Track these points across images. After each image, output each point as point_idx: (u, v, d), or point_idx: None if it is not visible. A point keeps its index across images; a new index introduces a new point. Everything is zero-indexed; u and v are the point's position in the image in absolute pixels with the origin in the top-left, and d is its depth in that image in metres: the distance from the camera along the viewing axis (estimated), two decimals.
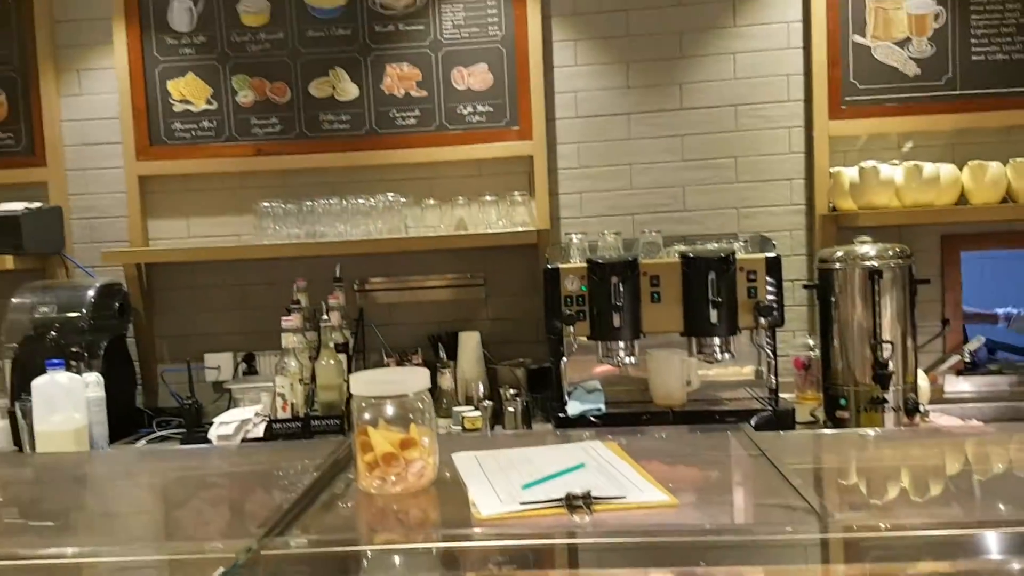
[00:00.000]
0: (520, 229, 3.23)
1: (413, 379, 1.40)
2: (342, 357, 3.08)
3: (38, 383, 2.72)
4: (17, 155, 3.41)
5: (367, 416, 1.38)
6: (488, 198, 3.28)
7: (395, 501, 1.34)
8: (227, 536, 1.28)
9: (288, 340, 3.01)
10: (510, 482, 1.36)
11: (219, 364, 3.42)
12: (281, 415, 2.98)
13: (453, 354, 3.18)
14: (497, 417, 2.98)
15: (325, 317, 3.06)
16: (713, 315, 2.70)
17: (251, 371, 3.44)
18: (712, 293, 2.70)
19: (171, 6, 3.34)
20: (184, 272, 3.44)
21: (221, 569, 1.03)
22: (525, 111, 3.30)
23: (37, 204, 3.26)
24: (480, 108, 3.32)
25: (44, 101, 3.39)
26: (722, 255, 2.73)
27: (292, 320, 3.04)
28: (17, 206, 3.18)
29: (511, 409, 2.93)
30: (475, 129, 3.32)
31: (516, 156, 3.33)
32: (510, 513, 1.24)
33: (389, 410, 1.38)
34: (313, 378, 3.05)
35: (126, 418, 3.19)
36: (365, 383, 1.39)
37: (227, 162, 3.37)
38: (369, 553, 1.20)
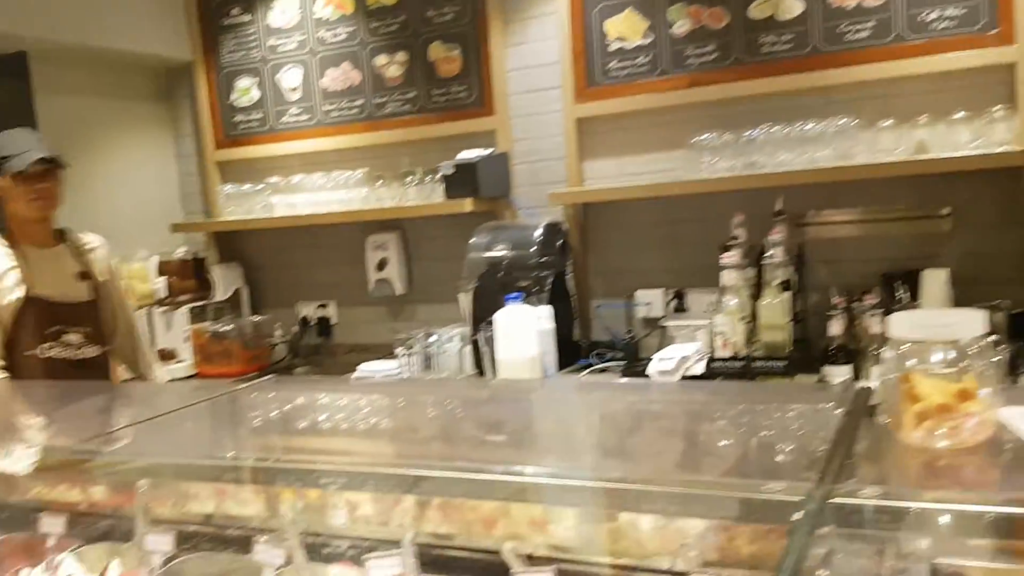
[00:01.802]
0: (997, 151, 2.77)
1: (967, 323, 1.19)
2: (786, 296, 2.91)
3: (500, 315, 2.93)
4: (469, 106, 3.69)
5: (911, 362, 1.20)
6: (957, 116, 2.85)
7: (950, 456, 1.16)
8: (777, 476, 1.20)
9: (728, 277, 2.91)
10: None
11: (650, 301, 3.43)
12: (721, 353, 2.91)
13: (913, 295, 2.84)
14: None
15: (769, 253, 2.90)
16: None
17: (681, 308, 3.40)
18: None
19: None
20: (617, 210, 3.48)
21: (799, 512, 0.96)
22: (1005, 11, 2.80)
23: (488, 151, 3.49)
24: (949, 12, 2.87)
25: (493, 53, 3.60)
26: None
27: (732, 256, 2.93)
28: (473, 154, 3.44)
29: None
30: (942, 37, 2.89)
31: (992, 65, 2.84)
32: None
33: (938, 356, 1.19)
34: (754, 317, 2.93)
35: (565, 350, 3.34)
36: (911, 325, 1.22)
37: (660, 97, 3.32)
38: (937, 509, 1.04)
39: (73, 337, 2.81)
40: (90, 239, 2.99)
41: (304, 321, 4.23)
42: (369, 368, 3.39)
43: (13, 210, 2.78)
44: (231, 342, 4.06)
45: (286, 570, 1.76)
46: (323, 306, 4.23)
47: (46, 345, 2.77)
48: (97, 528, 2.11)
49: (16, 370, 2.73)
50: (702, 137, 3.18)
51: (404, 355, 3.28)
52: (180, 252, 4.27)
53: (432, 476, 1.69)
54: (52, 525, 1.93)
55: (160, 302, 4.16)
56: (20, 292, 2.73)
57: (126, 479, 2.04)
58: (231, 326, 4.11)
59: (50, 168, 2.76)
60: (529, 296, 3.07)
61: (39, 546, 1.99)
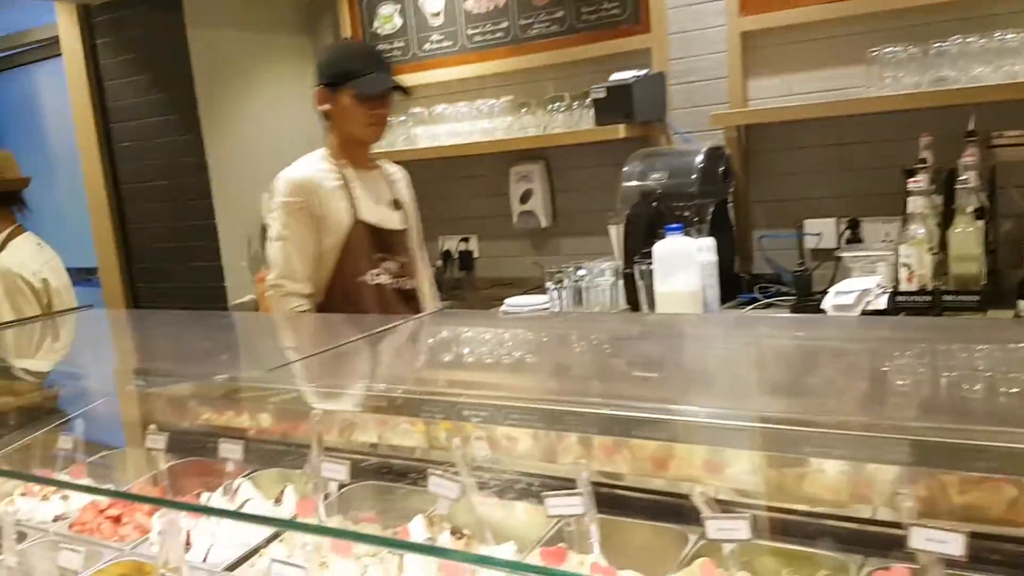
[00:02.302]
0: None
1: None
2: (979, 224, 2.63)
3: (659, 247, 2.77)
4: (622, 24, 3.48)
5: None
6: None
7: None
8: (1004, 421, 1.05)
9: (915, 204, 2.65)
10: None
11: (820, 231, 3.19)
12: (906, 287, 2.67)
13: None
14: None
15: (963, 177, 2.62)
16: None
17: (855, 239, 3.15)
18: None
19: None
20: (784, 133, 3.23)
21: None
22: None
23: (643, 71, 3.29)
24: None
25: None
26: None
27: (919, 181, 2.66)
28: (627, 75, 3.25)
29: None
30: None
31: None
32: None
33: None
34: (943, 247, 2.67)
35: (726, 284, 3.15)
36: None
37: (836, 7, 3.03)
38: None
39: (392, 265, 2.70)
40: (394, 168, 2.86)
41: (446, 255, 4.19)
42: (516, 303, 3.31)
43: (345, 130, 2.63)
44: None
45: (459, 504, 1.72)
46: (465, 240, 4.17)
47: (375, 271, 2.65)
48: (269, 454, 2.12)
49: (340, 298, 2.60)
50: (883, 50, 2.88)
51: (554, 289, 3.17)
52: None
53: (617, 415, 1.60)
54: (230, 451, 1.94)
55: None
56: (350, 215, 2.60)
57: (298, 408, 2.04)
58: None
59: (388, 92, 2.63)
60: (688, 227, 2.90)
61: (217, 470, 2.02)
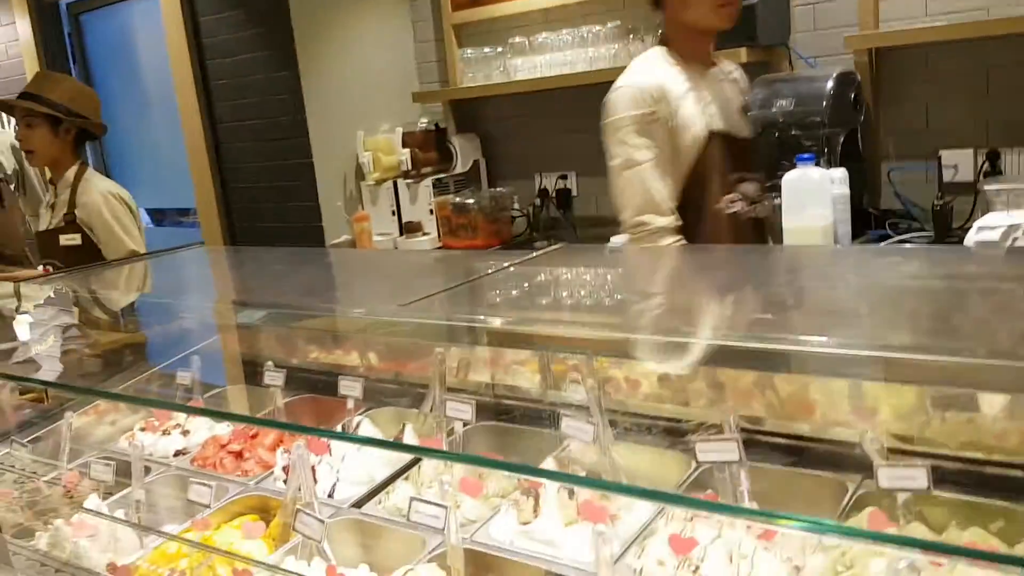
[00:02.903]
0: None
1: None
2: None
3: (789, 178, 2.59)
4: None
5: None
6: None
7: None
8: None
9: None
10: None
11: (956, 163, 2.95)
12: None
13: None
14: None
15: None
16: None
17: (995, 171, 2.90)
18: None
19: None
20: (918, 56, 2.98)
21: None
22: None
23: None
24: None
25: None
26: None
27: None
28: None
29: None
30: None
31: None
32: None
33: None
34: None
35: (854, 219, 2.95)
36: None
37: None
38: None
39: (750, 188, 2.20)
40: (732, 66, 2.35)
41: (543, 193, 4.05)
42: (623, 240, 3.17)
43: (687, 18, 2.13)
44: (474, 215, 3.97)
45: (589, 447, 1.63)
46: (563, 177, 4.03)
47: (730, 197, 2.16)
48: (383, 393, 2.06)
49: (689, 232, 2.14)
50: None
51: None
52: (422, 123, 4.19)
53: (771, 350, 1.47)
54: (349, 388, 1.89)
55: (405, 174, 4.11)
56: (704, 126, 2.12)
57: (419, 345, 1.97)
58: (472, 199, 4.02)
59: None
60: (819, 157, 2.70)
61: (331, 408, 1.98)
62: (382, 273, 2.31)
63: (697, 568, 1.27)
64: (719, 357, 1.61)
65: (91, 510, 1.69)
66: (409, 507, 1.35)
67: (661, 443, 1.69)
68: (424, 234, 4.08)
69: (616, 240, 3.14)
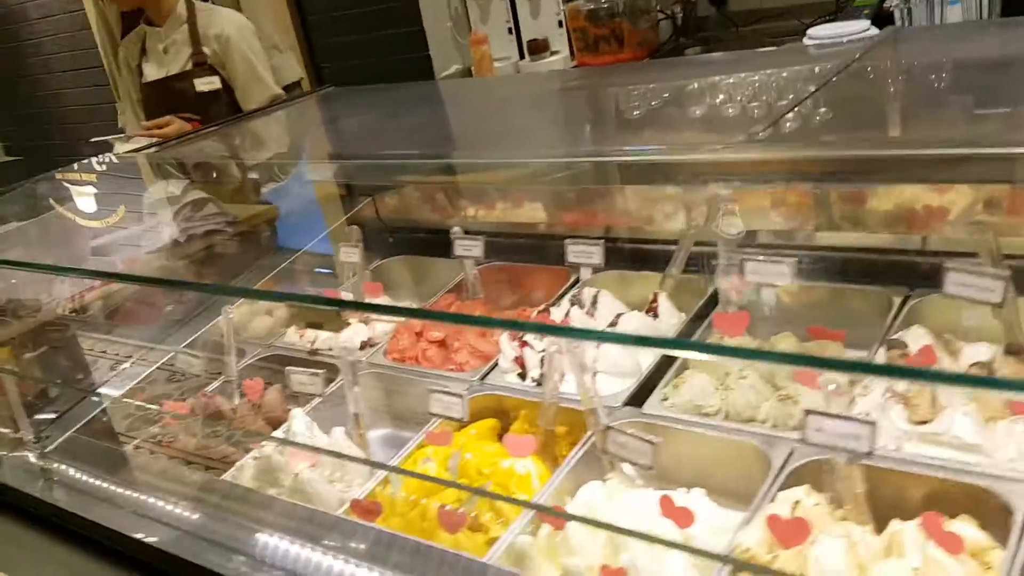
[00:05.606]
0: None
1: None
2: None
3: None
4: None
5: None
6: None
7: None
8: None
9: None
10: None
11: None
12: None
13: None
14: None
15: None
16: None
17: None
18: None
19: None
20: None
21: None
22: None
23: None
24: None
25: None
26: None
27: None
28: None
29: None
30: None
31: None
32: None
33: None
34: None
35: None
36: None
37: None
38: None
39: None
40: None
41: None
42: (824, 32, 2.56)
43: None
44: (614, 23, 3.36)
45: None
46: None
47: None
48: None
49: None
50: None
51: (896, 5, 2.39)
52: None
53: None
54: (583, 254, 1.46)
55: None
56: None
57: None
58: (606, 3, 3.39)
59: None
60: None
61: (531, 275, 1.61)
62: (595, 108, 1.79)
63: None
64: None
65: (318, 448, 1.32)
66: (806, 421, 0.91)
67: None
68: (553, 53, 3.49)
69: (817, 31, 2.55)
